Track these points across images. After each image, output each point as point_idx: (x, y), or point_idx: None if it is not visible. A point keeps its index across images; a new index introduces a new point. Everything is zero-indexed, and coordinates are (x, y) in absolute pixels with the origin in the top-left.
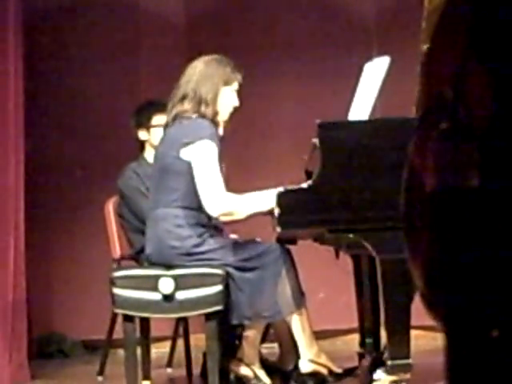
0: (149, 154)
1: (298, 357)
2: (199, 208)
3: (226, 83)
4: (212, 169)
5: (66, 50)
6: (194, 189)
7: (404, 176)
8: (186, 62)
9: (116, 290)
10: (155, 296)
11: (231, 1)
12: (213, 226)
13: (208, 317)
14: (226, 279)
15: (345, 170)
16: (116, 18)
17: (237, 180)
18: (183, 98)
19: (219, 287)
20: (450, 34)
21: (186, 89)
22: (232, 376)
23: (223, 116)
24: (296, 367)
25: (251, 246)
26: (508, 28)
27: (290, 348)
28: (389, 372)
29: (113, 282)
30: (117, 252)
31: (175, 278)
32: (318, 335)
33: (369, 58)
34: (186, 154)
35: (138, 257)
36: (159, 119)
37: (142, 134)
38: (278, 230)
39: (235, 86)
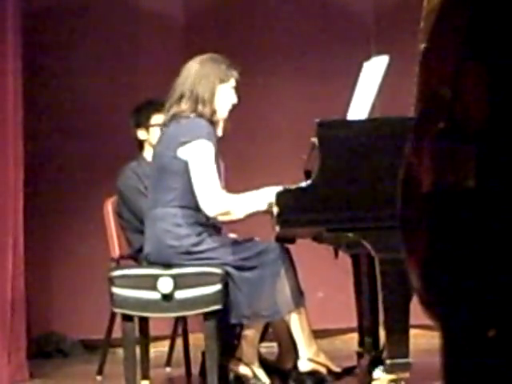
0: (148, 154)
1: (296, 356)
2: (197, 207)
3: (222, 81)
4: (208, 168)
5: (66, 50)
6: (193, 188)
7: (401, 176)
8: (185, 62)
9: (115, 290)
10: (154, 295)
11: (231, 1)
12: (211, 225)
13: (207, 316)
14: (225, 278)
15: (344, 169)
16: (115, 17)
17: (237, 180)
18: (180, 98)
19: (218, 286)
20: (447, 34)
21: (183, 89)
22: (231, 375)
23: (222, 114)
24: (295, 366)
25: (250, 245)
26: (504, 27)
27: (289, 347)
28: (388, 371)
29: (112, 282)
30: (116, 251)
31: (174, 277)
32: (317, 334)
33: (368, 58)
34: (183, 153)
35: (136, 256)
36: (158, 119)
37: (141, 134)
38: (277, 229)
39: (232, 82)
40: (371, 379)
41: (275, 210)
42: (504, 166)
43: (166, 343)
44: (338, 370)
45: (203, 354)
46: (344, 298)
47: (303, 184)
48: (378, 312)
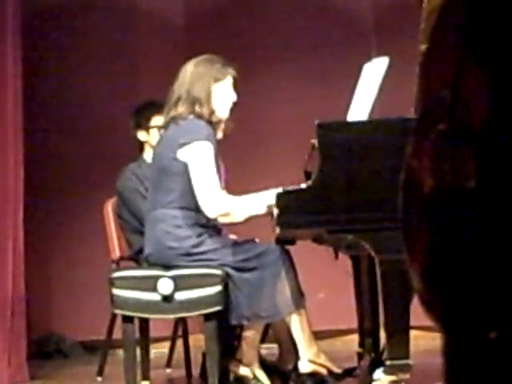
0: (148, 155)
1: (297, 357)
2: (197, 208)
3: (218, 80)
4: (208, 170)
5: (65, 51)
6: (192, 189)
7: (402, 177)
8: (185, 63)
9: (115, 291)
10: (154, 296)
11: (231, 1)
12: (212, 227)
13: (207, 317)
14: (225, 280)
15: (344, 171)
16: (115, 18)
17: (237, 181)
18: (177, 101)
19: (218, 288)
20: (447, 35)
21: (180, 92)
22: (231, 376)
23: (223, 113)
24: (295, 367)
25: (250, 246)
26: (504, 29)
27: (290, 348)
28: (388, 372)
29: (112, 283)
30: (116, 253)
31: (174, 278)
32: (318, 335)
33: (368, 59)
34: (182, 154)
35: (137, 257)
36: (158, 120)
37: (141, 135)
38: (277, 230)
39: (229, 80)
40: (371, 380)
41: (275, 211)
42: (504, 166)
43: (167, 344)
44: (338, 371)
45: (203, 355)
46: (344, 300)
47: (303, 185)
48: (379, 313)
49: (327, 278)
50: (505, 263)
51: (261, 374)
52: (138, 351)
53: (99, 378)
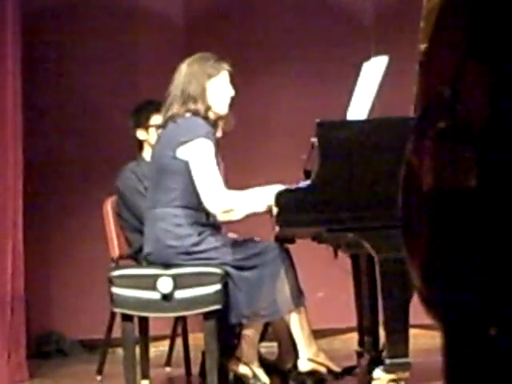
0: (147, 154)
1: (296, 356)
2: (197, 207)
3: (211, 76)
4: (210, 167)
5: (65, 50)
6: (192, 188)
7: (401, 175)
8: None
9: (115, 290)
10: (154, 295)
11: (231, 1)
12: (211, 225)
13: (206, 316)
14: (225, 278)
15: (343, 170)
16: (115, 17)
17: (236, 180)
18: (173, 101)
19: (218, 286)
20: (447, 34)
21: (175, 92)
22: (231, 375)
23: (221, 109)
24: (295, 366)
25: (250, 244)
26: (505, 26)
27: (289, 347)
28: (387, 371)
29: (111, 282)
30: (115, 251)
31: (174, 277)
32: (317, 334)
33: (367, 58)
34: (182, 153)
35: (136, 256)
36: (157, 119)
37: (141, 134)
38: (277, 229)
39: (224, 75)
40: (371, 379)
41: (275, 210)
42: (505, 165)
43: (166, 343)
44: (337, 369)
45: (203, 353)
46: (344, 298)
47: (303, 184)
48: (378, 312)
49: (327, 277)
50: (504, 262)
51: (260, 373)
52: (138, 350)
53: (99, 377)
